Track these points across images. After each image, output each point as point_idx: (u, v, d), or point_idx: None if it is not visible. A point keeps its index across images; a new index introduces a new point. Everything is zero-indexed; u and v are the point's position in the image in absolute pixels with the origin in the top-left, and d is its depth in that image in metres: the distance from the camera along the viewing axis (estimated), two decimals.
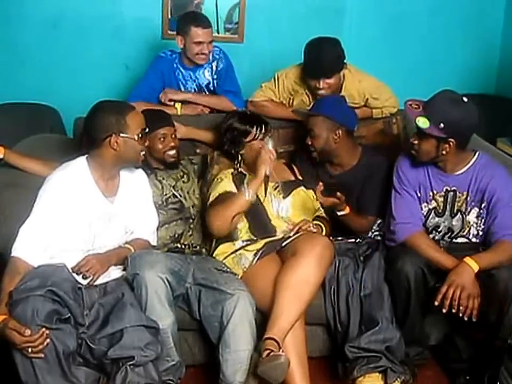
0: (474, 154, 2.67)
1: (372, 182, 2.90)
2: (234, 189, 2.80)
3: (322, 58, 3.00)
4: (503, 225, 2.58)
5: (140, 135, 2.43)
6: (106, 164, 2.46)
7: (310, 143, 2.86)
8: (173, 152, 2.82)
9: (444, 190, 2.70)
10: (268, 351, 2.27)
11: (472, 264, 2.46)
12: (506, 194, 2.60)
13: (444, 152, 2.56)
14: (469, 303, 2.44)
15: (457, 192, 2.68)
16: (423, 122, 2.51)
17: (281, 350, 2.31)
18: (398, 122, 3.31)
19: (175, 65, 3.44)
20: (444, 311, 2.45)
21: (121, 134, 2.39)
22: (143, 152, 2.50)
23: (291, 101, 3.30)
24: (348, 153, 2.90)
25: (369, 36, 4.20)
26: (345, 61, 3.11)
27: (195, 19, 3.33)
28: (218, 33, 4.13)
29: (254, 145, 2.85)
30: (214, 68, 3.43)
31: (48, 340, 2.10)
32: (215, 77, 3.40)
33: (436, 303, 2.46)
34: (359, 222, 2.88)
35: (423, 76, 4.24)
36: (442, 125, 2.49)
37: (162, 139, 2.77)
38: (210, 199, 2.78)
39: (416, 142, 2.59)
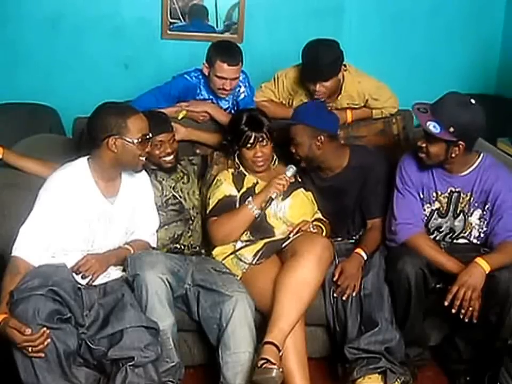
0: (479, 156, 2.67)
1: (369, 185, 2.87)
2: (234, 192, 2.80)
3: (319, 62, 2.97)
4: (507, 226, 2.58)
5: (140, 140, 2.42)
6: (105, 165, 2.45)
7: (294, 151, 2.82)
8: (169, 158, 2.79)
9: (449, 191, 2.69)
10: (263, 361, 2.26)
11: (484, 265, 2.45)
12: (511, 196, 2.60)
13: (453, 155, 2.56)
14: (474, 304, 2.44)
15: (462, 193, 2.68)
16: (433, 127, 2.50)
17: (280, 353, 2.30)
18: (398, 122, 3.31)
19: (198, 88, 3.24)
20: (453, 311, 2.45)
21: (120, 137, 2.39)
22: (143, 158, 2.48)
23: (291, 101, 3.29)
24: (334, 156, 2.87)
25: (369, 36, 4.19)
26: (344, 62, 3.10)
27: (223, 53, 3.06)
28: (217, 30, 4.14)
29: (242, 151, 2.83)
30: (236, 94, 3.26)
31: (48, 340, 2.10)
32: (234, 103, 3.28)
33: (446, 303, 2.45)
34: (374, 239, 2.83)
35: (423, 76, 4.24)
36: (452, 129, 2.48)
37: (159, 145, 2.73)
38: (210, 206, 2.78)
39: (424, 145, 2.58)
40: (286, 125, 2.86)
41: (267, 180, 2.85)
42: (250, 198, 2.74)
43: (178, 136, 2.93)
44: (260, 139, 2.80)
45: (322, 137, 2.77)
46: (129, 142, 2.40)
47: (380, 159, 2.91)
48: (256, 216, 2.71)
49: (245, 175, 2.87)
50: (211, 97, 3.24)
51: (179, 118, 3.14)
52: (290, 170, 2.80)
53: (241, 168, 2.89)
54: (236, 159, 2.89)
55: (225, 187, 2.81)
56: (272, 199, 2.72)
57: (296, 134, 2.79)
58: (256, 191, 2.81)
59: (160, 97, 3.16)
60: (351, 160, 2.90)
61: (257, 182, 2.85)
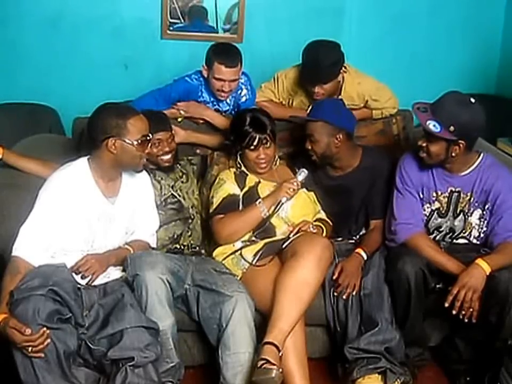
0: (479, 155, 2.68)
1: (378, 186, 2.88)
2: (237, 191, 2.81)
3: (319, 64, 2.97)
4: (507, 226, 2.58)
5: (140, 141, 2.41)
6: (105, 165, 2.45)
7: (310, 147, 2.82)
8: (167, 157, 2.79)
9: (449, 190, 2.70)
10: (262, 361, 2.26)
11: (485, 266, 2.45)
12: (511, 196, 2.60)
13: (453, 154, 2.56)
14: (474, 305, 2.44)
15: (462, 193, 2.68)
16: (433, 126, 2.50)
17: (280, 353, 2.30)
18: (398, 122, 3.31)
19: (199, 91, 3.22)
20: (454, 312, 2.45)
21: (120, 138, 2.38)
22: (144, 158, 2.49)
23: (291, 101, 3.29)
24: (348, 155, 2.88)
25: (369, 36, 4.19)
26: (344, 63, 3.09)
27: (221, 55, 3.05)
28: (217, 30, 4.14)
29: (245, 152, 2.83)
30: (237, 97, 3.24)
31: (48, 340, 2.10)
32: (235, 105, 3.26)
33: (446, 305, 2.45)
34: (375, 240, 2.84)
35: (423, 76, 4.23)
36: (452, 128, 2.49)
37: (157, 144, 2.72)
38: (214, 205, 2.78)
39: (424, 144, 2.58)
40: (305, 121, 2.85)
41: (269, 179, 2.86)
42: (260, 199, 2.74)
43: (177, 139, 2.92)
44: (264, 141, 2.80)
45: (341, 136, 2.78)
46: (128, 143, 2.40)
47: (390, 161, 2.91)
48: (264, 217, 2.71)
49: (247, 175, 2.87)
50: (212, 99, 3.23)
51: (178, 120, 3.15)
52: (302, 174, 2.78)
53: (243, 168, 2.89)
54: (238, 158, 2.89)
55: (228, 186, 2.81)
56: (282, 203, 2.72)
57: (315, 131, 2.78)
58: (259, 190, 2.81)
59: (160, 99, 3.15)
60: (362, 161, 2.91)
61: (259, 181, 2.85)
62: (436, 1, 4.24)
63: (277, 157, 2.94)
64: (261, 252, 2.67)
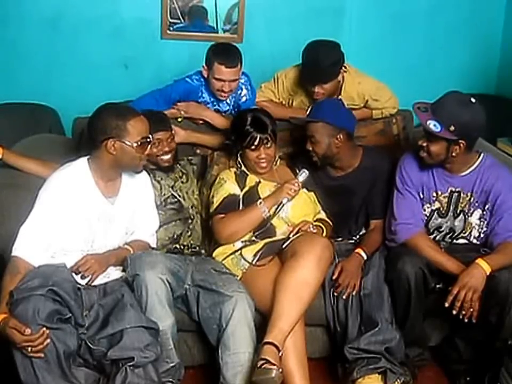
0: (479, 155, 2.68)
1: (378, 186, 2.89)
2: (237, 191, 2.81)
3: (319, 64, 2.97)
4: (508, 226, 2.58)
5: (139, 143, 2.41)
6: (104, 166, 2.45)
7: (311, 148, 2.83)
8: (167, 157, 2.79)
9: (449, 190, 2.70)
10: (262, 361, 2.25)
11: (485, 266, 2.45)
12: (511, 196, 2.60)
13: (453, 154, 2.56)
14: (475, 305, 2.44)
15: (462, 193, 2.68)
16: (434, 126, 2.50)
17: (280, 353, 2.30)
18: (398, 122, 3.31)
19: (200, 91, 3.21)
20: (454, 312, 2.45)
21: (119, 139, 2.38)
22: (143, 160, 2.48)
23: (291, 101, 3.29)
24: (349, 155, 2.88)
25: (369, 36, 4.18)
26: (344, 63, 3.09)
27: (221, 55, 3.04)
28: (217, 30, 4.13)
29: (245, 152, 2.83)
30: (237, 97, 3.24)
31: (48, 340, 2.10)
32: (235, 105, 3.25)
33: (447, 305, 2.45)
34: (375, 240, 2.84)
35: (423, 76, 4.23)
36: (453, 127, 2.49)
37: (156, 144, 2.72)
38: (215, 204, 2.78)
39: (425, 144, 2.58)
40: (305, 122, 2.85)
41: (269, 179, 2.87)
42: (261, 200, 2.74)
43: (178, 139, 2.92)
44: (265, 141, 2.79)
45: (341, 136, 2.78)
46: (128, 145, 2.39)
47: (390, 161, 2.91)
48: (265, 218, 2.71)
49: (247, 174, 2.87)
50: (212, 99, 3.23)
51: (178, 120, 3.14)
52: (303, 174, 2.78)
53: (243, 167, 2.88)
54: (239, 158, 2.88)
55: (229, 185, 2.81)
56: (283, 204, 2.72)
57: (315, 132, 2.79)
58: (259, 190, 2.81)
59: (161, 99, 3.14)
60: (363, 161, 2.92)
61: (260, 181, 2.85)
62: (436, 1, 4.23)
63: (277, 157, 2.94)
64: (261, 252, 2.66)
